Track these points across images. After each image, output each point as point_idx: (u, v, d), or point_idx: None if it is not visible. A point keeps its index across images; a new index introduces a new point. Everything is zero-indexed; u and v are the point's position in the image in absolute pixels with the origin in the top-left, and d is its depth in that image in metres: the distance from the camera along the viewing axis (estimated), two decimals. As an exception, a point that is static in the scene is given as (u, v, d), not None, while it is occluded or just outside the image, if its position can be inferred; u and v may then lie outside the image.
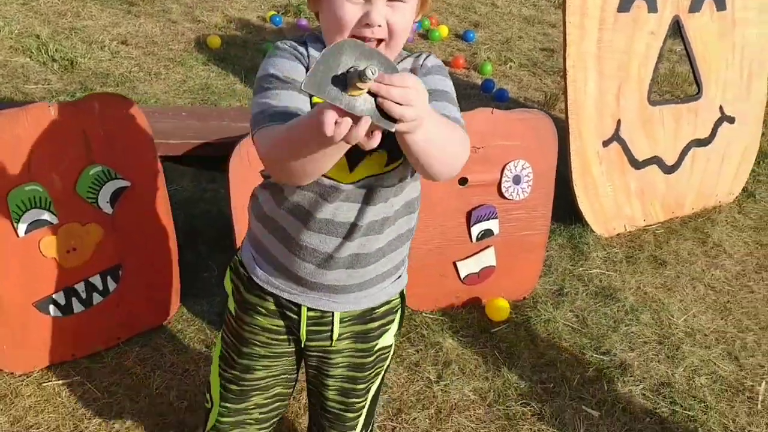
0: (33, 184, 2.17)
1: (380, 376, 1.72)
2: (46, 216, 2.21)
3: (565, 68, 3.20)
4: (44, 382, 2.34)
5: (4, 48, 4.65)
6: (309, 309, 1.52)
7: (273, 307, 1.55)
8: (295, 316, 1.54)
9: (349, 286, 1.49)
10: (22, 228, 2.18)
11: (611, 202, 3.43)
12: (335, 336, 1.56)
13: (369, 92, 1.04)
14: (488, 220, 2.73)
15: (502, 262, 2.84)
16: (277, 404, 1.73)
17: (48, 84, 4.29)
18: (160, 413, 2.28)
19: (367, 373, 1.65)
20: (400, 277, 1.60)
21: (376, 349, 1.63)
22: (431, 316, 2.79)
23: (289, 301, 1.52)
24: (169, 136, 2.60)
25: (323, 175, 1.35)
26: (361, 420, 1.74)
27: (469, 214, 2.72)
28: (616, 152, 3.40)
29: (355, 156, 1.34)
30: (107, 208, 2.34)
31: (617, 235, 3.46)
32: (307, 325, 1.54)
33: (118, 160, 2.33)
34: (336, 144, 1.11)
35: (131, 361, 2.46)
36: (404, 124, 1.08)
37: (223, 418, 1.72)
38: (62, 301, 2.33)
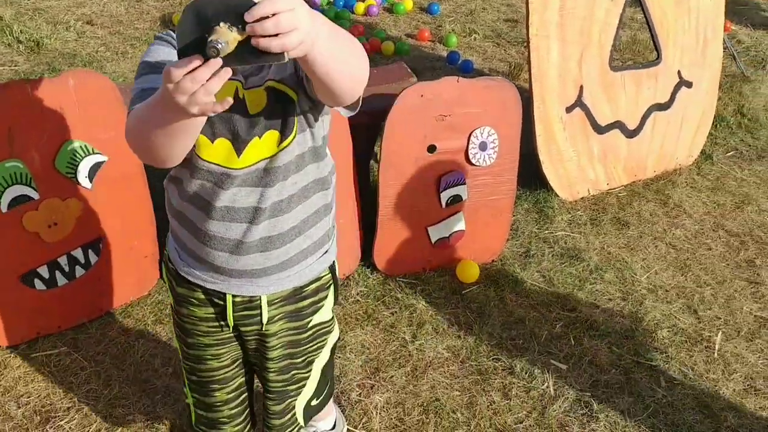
0: (14, 160, 2.22)
1: (323, 350, 1.70)
2: (28, 192, 2.26)
3: (528, 36, 3.29)
4: (32, 354, 2.40)
5: (-31, 30, 4.64)
6: (235, 296, 1.51)
7: (202, 297, 1.55)
8: (222, 303, 1.53)
9: (269, 268, 1.47)
10: (4, 204, 2.23)
11: (575, 166, 3.54)
12: (265, 319, 1.55)
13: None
14: (457, 185, 2.83)
15: (471, 226, 2.94)
16: (243, 396, 1.73)
17: (15, 65, 4.29)
18: (146, 379, 2.35)
19: (304, 348, 1.65)
20: (326, 252, 1.58)
21: (311, 325, 1.62)
22: (404, 279, 2.89)
23: (215, 290, 1.52)
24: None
25: (213, 163, 1.35)
26: (306, 391, 1.71)
27: (438, 181, 2.81)
28: (579, 118, 3.51)
29: (241, 141, 1.34)
30: (86, 183, 2.40)
31: (581, 198, 3.58)
32: (236, 311, 1.53)
33: (95, 136, 2.38)
34: (185, 112, 1.07)
35: (115, 332, 2.53)
36: (293, 51, 1.00)
37: (199, 411, 1.73)
38: (46, 275, 2.39)
